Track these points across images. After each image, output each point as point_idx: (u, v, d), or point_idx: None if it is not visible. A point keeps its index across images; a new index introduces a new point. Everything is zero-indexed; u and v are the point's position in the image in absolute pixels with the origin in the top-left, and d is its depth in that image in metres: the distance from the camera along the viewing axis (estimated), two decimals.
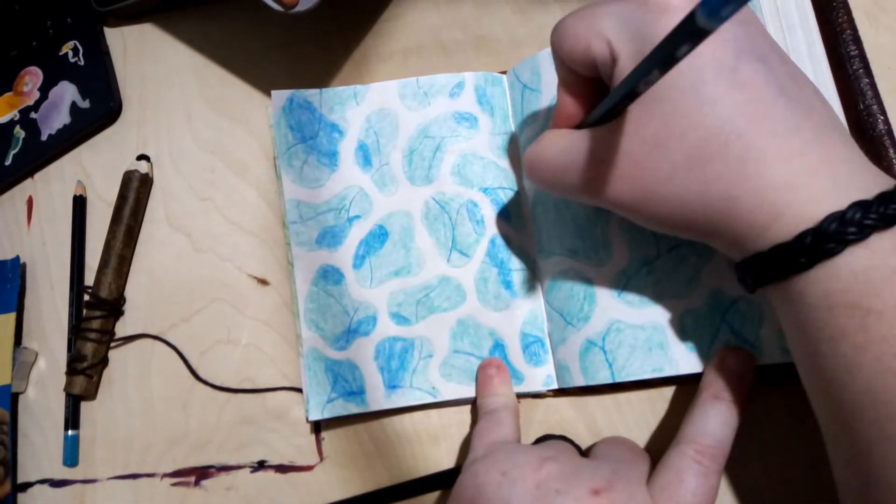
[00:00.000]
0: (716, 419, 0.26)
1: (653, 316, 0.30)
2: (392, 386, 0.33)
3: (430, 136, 0.35)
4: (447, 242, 0.34)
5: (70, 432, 0.37)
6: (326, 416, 0.33)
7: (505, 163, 0.35)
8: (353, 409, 0.33)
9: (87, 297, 0.38)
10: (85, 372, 0.37)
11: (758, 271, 0.22)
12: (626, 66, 0.23)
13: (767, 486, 0.29)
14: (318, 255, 0.35)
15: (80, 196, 0.41)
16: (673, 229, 0.24)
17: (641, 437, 0.31)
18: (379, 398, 0.33)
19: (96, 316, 0.37)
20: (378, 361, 0.33)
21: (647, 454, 0.29)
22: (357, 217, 0.35)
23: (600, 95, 0.26)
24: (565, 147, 0.26)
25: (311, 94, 0.37)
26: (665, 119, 0.22)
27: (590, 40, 0.24)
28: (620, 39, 0.23)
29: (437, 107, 0.36)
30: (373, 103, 0.37)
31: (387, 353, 0.33)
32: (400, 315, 0.34)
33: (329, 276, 0.35)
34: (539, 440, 0.31)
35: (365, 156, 0.36)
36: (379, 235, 0.35)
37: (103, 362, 0.38)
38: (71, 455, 0.37)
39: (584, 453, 0.30)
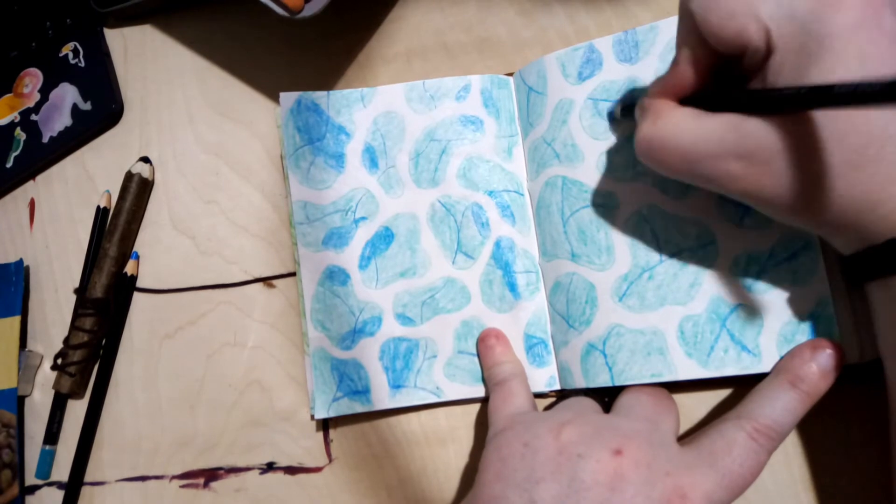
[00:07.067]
0: (784, 406, 0.25)
1: (653, 321, 0.30)
2: (397, 386, 0.34)
3: (437, 139, 0.36)
4: (452, 245, 0.35)
5: (47, 447, 0.38)
6: (332, 414, 0.34)
7: (510, 165, 0.36)
8: (359, 408, 0.34)
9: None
10: (65, 369, 0.37)
11: (874, 263, 0.22)
12: (784, 60, 0.22)
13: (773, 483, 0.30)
14: (324, 256, 0.36)
15: (105, 208, 0.40)
16: (798, 221, 0.24)
17: None
18: (383, 398, 0.34)
19: (87, 314, 0.38)
20: (383, 361, 0.34)
21: (673, 404, 0.29)
22: (363, 218, 0.36)
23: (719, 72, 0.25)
24: (703, 135, 0.24)
25: (319, 96, 0.37)
26: (827, 120, 0.21)
27: (746, 23, 0.22)
28: (782, 31, 0.22)
29: (443, 110, 0.36)
30: (379, 106, 0.37)
31: (392, 353, 0.34)
32: (405, 316, 0.35)
33: (335, 276, 0.35)
34: (560, 396, 0.32)
35: (371, 158, 0.36)
36: (385, 237, 0.36)
37: (90, 361, 0.38)
38: (42, 469, 0.38)
39: (608, 405, 0.30)
